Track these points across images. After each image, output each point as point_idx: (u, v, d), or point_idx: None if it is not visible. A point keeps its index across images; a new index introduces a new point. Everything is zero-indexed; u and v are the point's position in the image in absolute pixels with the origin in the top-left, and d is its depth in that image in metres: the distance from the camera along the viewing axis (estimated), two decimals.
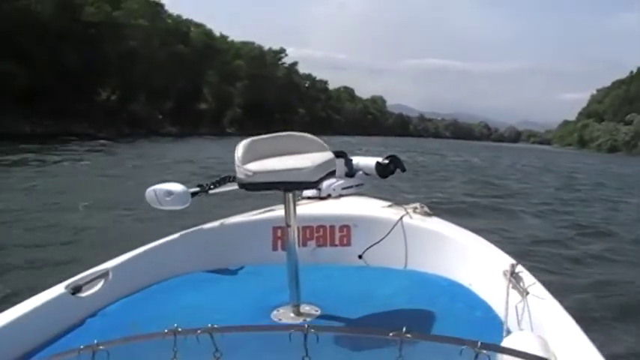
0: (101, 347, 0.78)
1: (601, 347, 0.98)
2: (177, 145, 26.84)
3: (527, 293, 1.27)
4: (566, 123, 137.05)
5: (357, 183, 2.39)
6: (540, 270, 4.37)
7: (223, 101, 63.57)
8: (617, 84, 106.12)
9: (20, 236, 5.45)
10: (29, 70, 33.40)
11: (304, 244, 1.93)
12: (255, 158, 1.28)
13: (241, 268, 1.82)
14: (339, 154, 2.17)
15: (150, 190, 1.82)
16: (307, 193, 2.33)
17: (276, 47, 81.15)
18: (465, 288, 1.58)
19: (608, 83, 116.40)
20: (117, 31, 41.98)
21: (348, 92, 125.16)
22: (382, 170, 2.26)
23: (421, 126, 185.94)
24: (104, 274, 1.53)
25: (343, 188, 2.34)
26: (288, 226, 1.36)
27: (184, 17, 61.81)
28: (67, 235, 5.51)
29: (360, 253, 1.94)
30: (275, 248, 1.95)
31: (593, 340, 1.00)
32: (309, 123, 75.26)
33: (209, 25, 66.74)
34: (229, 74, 64.27)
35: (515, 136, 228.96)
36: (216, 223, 1.99)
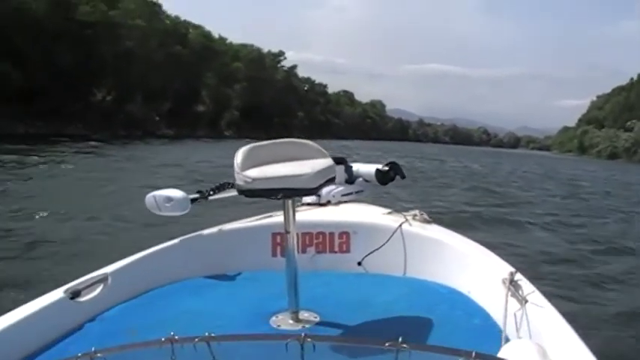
0: (99, 355, 0.78)
1: (599, 355, 0.98)
2: (170, 148, 26.17)
3: (526, 301, 1.26)
4: (565, 129, 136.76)
5: (357, 190, 2.37)
6: (557, 296, 3.77)
7: (221, 104, 63.04)
8: (618, 90, 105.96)
9: None
10: (23, 70, 32.85)
11: (303, 251, 1.93)
12: (254, 165, 1.28)
13: (240, 274, 1.82)
14: (338, 161, 2.14)
15: (150, 196, 1.82)
16: (307, 199, 2.31)
17: (275, 50, 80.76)
18: (464, 295, 1.58)
19: (607, 90, 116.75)
20: (113, 31, 41.44)
21: (347, 96, 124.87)
22: (382, 177, 2.25)
23: (420, 131, 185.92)
24: (103, 279, 1.52)
25: (343, 195, 2.33)
26: (288, 232, 1.36)
27: (183, 18, 61.31)
28: (12, 247, 4.91)
29: (359, 260, 1.93)
30: (274, 254, 1.95)
31: (592, 348, 1.00)
32: (308, 126, 74.84)
33: (208, 28, 66.38)
34: (227, 76, 63.76)
35: (515, 142, 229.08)
36: (215, 229, 1.98)
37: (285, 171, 1.26)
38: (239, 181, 1.27)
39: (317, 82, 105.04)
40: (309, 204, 2.33)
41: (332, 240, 2.00)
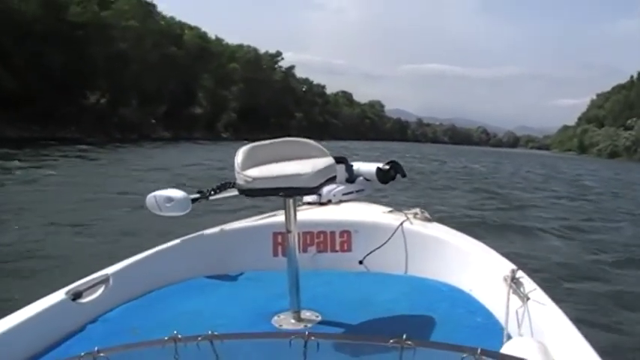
0: (101, 354, 0.77)
1: (601, 352, 0.97)
2: (162, 151, 25.50)
3: (528, 299, 1.26)
4: (565, 128, 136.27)
5: (358, 189, 2.34)
6: (584, 322, 3.10)
7: (218, 105, 62.41)
8: (618, 89, 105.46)
9: None
10: (12, 72, 32.18)
11: (305, 250, 1.93)
12: (255, 164, 1.29)
13: (242, 274, 1.82)
14: (339, 160, 2.07)
15: (150, 197, 1.81)
16: (307, 198, 2.30)
17: (272, 51, 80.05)
18: (466, 293, 1.58)
19: (605, 89, 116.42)
20: (106, 32, 40.71)
21: (345, 97, 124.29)
22: (383, 176, 2.23)
23: (419, 131, 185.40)
24: (104, 280, 1.52)
25: (344, 194, 2.32)
26: (289, 231, 1.36)
27: (178, 19, 60.70)
28: None
29: (360, 259, 1.93)
30: (275, 254, 1.94)
31: (594, 345, 1.00)
32: (306, 127, 74.16)
33: (207, 30, 65.83)
34: (224, 78, 63.08)
35: (514, 142, 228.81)
36: (216, 229, 1.98)
37: (286, 170, 1.26)
38: (240, 181, 1.27)
39: (315, 82, 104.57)
40: (309, 203, 2.31)
41: (333, 239, 1.99)
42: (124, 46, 44.43)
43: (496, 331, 1.23)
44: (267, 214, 2.13)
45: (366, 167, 2.30)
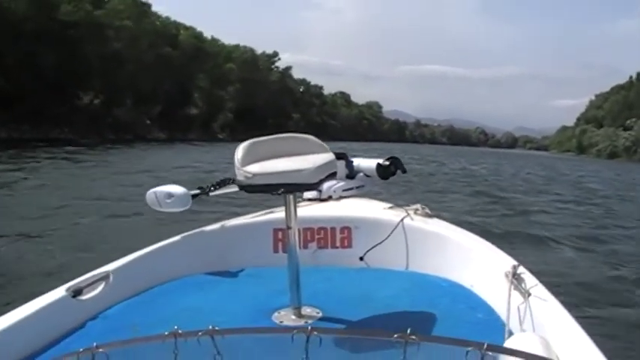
0: (100, 350, 0.77)
1: (603, 347, 0.97)
2: (153, 153, 24.84)
3: (529, 294, 1.27)
4: (564, 129, 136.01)
5: (358, 185, 2.34)
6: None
7: (214, 106, 61.85)
8: (617, 89, 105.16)
9: None
10: (3, 72, 31.53)
11: (305, 246, 1.92)
12: (255, 160, 1.28)
13: (242, 270, 1.81)
14: (339, 156, 2.09)
15: (150, 192, 1.81)
16: (308, 194, 2.29)
17: (269, 51, 79.42)
18: (467, 289, 1.58)
19: (603, 89, 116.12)
20: (99, 32, 40.07)
21: (344, 97, 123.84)
22: (383, 172, 2.23)
23: (417, 132, 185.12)
24: (105, 277, 1.52)
25: (344, 190, 2.31)
26: (289, 228, 1.36)
27: (174, 19, 60.05)
28: None
29: (361, 255, 1.92)
30: (276, 250, 1.94)
31: (596, 340, 1.00)
32: (304, 128, 73.48)
33: (205, 31, 65.19)
34: (220, 78, 62.48)
35: (512, 142, 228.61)
36: (216, 225, 1.98)
37: (286, 166, 1.26)
38: (240, 177, 1.27)
39: (313, 83, 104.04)
40: (310, 199, 2.29)
41: (333, 235, 1.98)
42: (119, 45, 43.91)
43: (497, 327, 1.22)
44: (268, 211, 2.10)
45: (366, 163, 2.30)
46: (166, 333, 0.76)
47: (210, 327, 0.75)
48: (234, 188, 1.76)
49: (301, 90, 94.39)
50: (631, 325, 3.76)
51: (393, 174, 2.28)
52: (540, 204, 11.44)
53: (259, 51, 76.04)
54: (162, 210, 1.81)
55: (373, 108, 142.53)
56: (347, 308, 1.42)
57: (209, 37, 66.00)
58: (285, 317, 1.37)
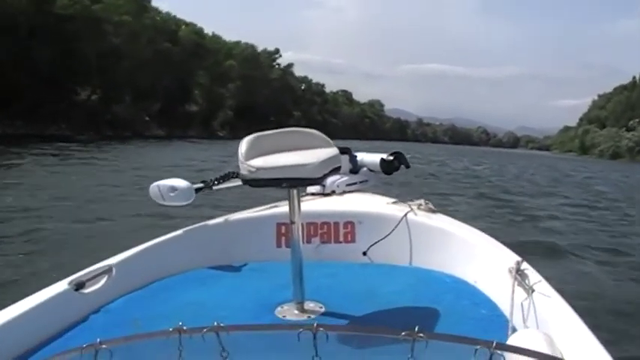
0: (104, 346, 0.76)
1: (607, 344, 0.97)
2: (148, 150, 24.22)
3: (533, 290, 1.26)
4: (566, 129, 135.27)
5: (362, 179, 2.33)
6: None
7: (214, 103, 61.27)
8: (619, 90, 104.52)
9: None
10: None
11: (308, 241, 1.92)
12: (259, 154, 1.28)
13: (245, 264, 1.82)
14: (343, 151, 2.08)
15: (154, 186, 1.80)
16: (311, 189, 2.28)
17: (270, 48, 78.70)
18: (470, 285, 1.57)
19: (606, 89, 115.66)
20: (97, 27, 39.46)
21: (345, 96, 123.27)
22: (387, 167, 2.23)
23: (419, 131, 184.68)
24: (107, 271, 1.52)
25: (347, 185, 2.30)
26: (292, 222, 1.36)
27: (173, 15, 59.42)
28: None
29: (364, 250, 1.92)
30: (279, 245, 1.94)
31: (600, 337, 0.99)
32: (305, 126, 72.21)
33: (206, 29, 64.56)
34: (221, 75, 61.87)
35: (514, 142, 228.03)
36: (219, 220, 1.98)
37: (290, 160, 1.25)
38: (243, 171, 1.26)
39: (314, 81, 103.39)
40: (313, 194, 2.28)
41: (337, 230, 1.97)
42: (117, 41, 43.32)
43: (501, 323, 1.22)
44: (271, 205, 2.09)
45: (369, 158, 2.28)
46: (170, 329, 0.75)
47: (216, 323, 0.75)
48: (238, 182, 1.73)
49: (302, 88, 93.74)
50: None
51: (397, 169, 2.25)
52: (549, 208, 10.83)
53: (260, 48, 75.41)
54: (165, 204, 1.80)
55: (375, 106, 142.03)
56: (350, 303, 1.42)
57: (210, 34, 65.39)
58: (288, 312, 1.36)
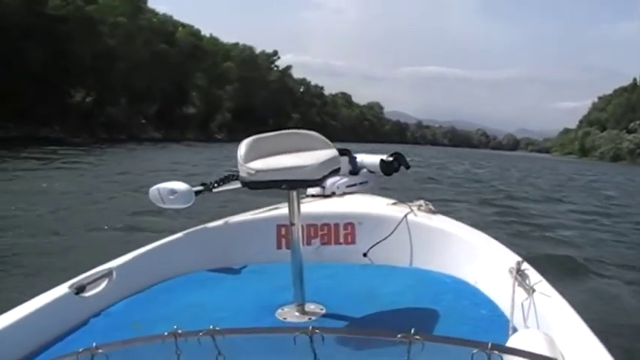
0: (100, 350, 0.76)
1: (608, 344, 0.96)
2: (138, 154, 23.52)
3: (534, 291, 1.26)
4: (566, 131, 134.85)
5: (361, 181, 2.28)
6: None
7: (212, 105, 60.78)
8: (620, 92, 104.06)
9: None
10: None
11: (308, 243, 1.93)
12: (258, 156, 1.28)
13: (245, 266, 1.82)
14: (342, 152, 2.07)
15: (154, 189, 1.81)
16: (311, 191, 2.28)
17: (268, 50, 78.16)
18: (471, 286, 1.58)
19: (605, 92, 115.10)
20: (91, 28, 38.86)
21: (344, 98, 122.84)
22: (386, 168, 2.22)
23: (418, 133, 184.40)
24: (108, 274, 1.52)
25: (347, 186, 2.25)
26: (293, 224, 1.36)
27: (170, 16, 58.87)
28: None
29: (364, 251, 1.92)
30: (279, 247, 1.94)
31: (600, 337, 0.99)
32: (304, 129, 71.98)
33: (206, 32, 64.05)
34: (219, 77, 61.34)
35: (514, 144, 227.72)
36: (220, 222, 1.98)
37: (290, 162, 1.25)
38: (243, 173, 1.26)
39: (313, 84, 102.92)
40: (313, 195, 2.29)
41: (337, 231, 1.97)
42: (113, 42, 42.76)
43: (502, 324, 1.22)
44: (271, 207, 2.10)
45: (369, 159, 2.28)
46: (166, 333, 0.75)
47: (212, 327, 0.74)
48: (238, 185, 1.67)
49: (301, 90, 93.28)
50: None
51: (397, 170, 2.23)
52: (558, 216, 10.15)
53: (258, 50, 74.89)
54: (165, 207, 1.80)
55: (374, 109, 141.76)
56: (351, 305, 1.41)
57: (207, 35, 64.84)
58: (289, 314, 1.36)
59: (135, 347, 0.81)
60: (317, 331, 0.72)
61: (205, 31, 65.39)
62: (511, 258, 1.50)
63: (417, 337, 0.70)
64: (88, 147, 24.25)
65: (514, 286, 1.28)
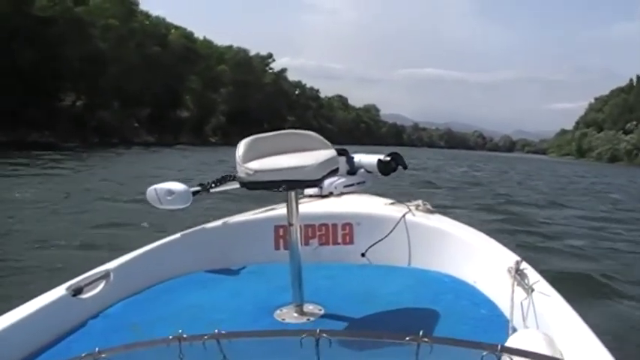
0: (103, 355, 0.76)
1: (608, 344, 0.96)
2: (127, 158, 22.85)
3: (533, 290, 1.26)
4: (563, 132, 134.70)
5: (359, 181, 2.34)
6: None
7: (206, 108, 60.06)
8: (617, 92, 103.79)
9: None
10: None
11: (307, 243, 1.92)
12: (256, 156, 1.28)
13: (243, 267, 1.81)
14: (340, 152, 2.07)
15: (151, 189, 1.79)
16: (309, 191, 2.29)
17: (263, 53, 77.42)
18: (470, 285, 1.57)
19: (601, 93, 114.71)
20: (81, 30, 38.10)
21: (341, 101, 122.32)
22: (384, 168, 2.24)
23: (415, 135, 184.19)
24: (105, 275, 1.51)
25: (345, 186, 2.30)
26: (291, 224, 1.36)
27: (163, 18, 58.15)
28: None
29: (363, 252, 1.91)
30: (277, 247, 1.94)
31: (600, 336, 0.99)
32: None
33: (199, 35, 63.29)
34: (212, 80, 60.62)
35: (510, 146, 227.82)
36: (218, 223, 1.98)
37: (288, 162, 1.25)
38: (241, 173, 1.26)
39: (309, 86, 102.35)
40: (310, 196, 2.29)
41: (335, 231, 1.97)
42: (104, 45, 42.02)
43: (501, 323, 1.22)
44: (269, 207, 2.08)
45: (367, 159, 2.27)
46: (171, 337, 0.74)
47: (217, 330, 0.74)
48: (236, 185, 1.70)
49: (297, 92, 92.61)
50: None
51: (394, 170, 2.24)
52: (565, 223, 9.47)
53: (252, 52, 74.20)
54: (162, 207, 1.78)
55: (371, 111, 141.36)
56: (349, 305, 1.40)
57: (200, 38, 64.17)
58: (288, 315, 1.36)
59: (137, 352, 0.78)
60: (324, 334, 0.71)
61: (201, 35, 64.79)
62: (510, 257, 1.49)
63: (426, 339, 0.70)
64: (73, 152, 23.47)
65: (513, 285, 1.27)
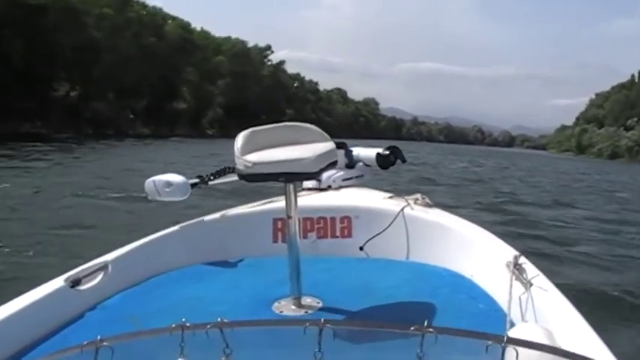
0: (105, 343, 0.75)
1: (605, 337, 0.97)
2: (119, 150, 22.26)
3: (531, 284, 1.26)
4: (563, 128, 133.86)
5: (358, 174, 2.34)
6: None
7: (203, 100, 59.34)
8: (617, 88, 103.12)
9: None
10: None
11: (305, 236, 1.91)
12: (255, 149, 1.28)
13: (242, 260, 1.81)
14: (339, 145, 2.02)
15: (149, 181, 1.79)
16: (307, 184, 2.30)
17: (261, 44, 76.57)
18: (467, 279, 1.58)
19: (602, 89, 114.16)
20: (74, 19, 37.34)
21: (340, 94, 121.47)
22: (383, 161, 2.24)
23: (414, 129, 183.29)
24: (103, 267, 1.52)
25: (343, 179, 2.31)
26: (289, 217, 1.36)
27: (161, 8, 57.31)
28: None
29: (361, 245, 1.92)
30: (275, 240, 1.94)
31: (598, 330, 1.00)
32: None
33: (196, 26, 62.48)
34: (210, 71, 59.85)
35: (510, 141, 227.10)
36: (216, 215, 1.98)
37: (287, 155, 1.25)
38: (239, 166, 1.27)
39: (308, 79, 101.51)
40: (309, 189, 2.29)
41: (333, 225, 1.97)
42: (99, 35, 41.31)
43: (499, 317, 1.22)
44: (267, 200, 2.08)
45: (365, 153, 2.27)
46: (173, 325, 0.74)
47: (219, 319, 0.74)
48: (234, 177, 1.70)
49: (295, 85, 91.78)
50: None
51: (393, 163, 2.22)
52: (574, 225, 8.88)
53: (251, 44, 73.36)
54: (161, 199, 1.78)
55: (370, 105, 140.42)
56: (347, 298, 1.41)
57: (197, 29, 63.33)
58: (285, 307, 1.36)
59: (138, 339, 0.79)
60: (328, 325, 0.71)
61: (197, 25, 63.97)
62: (508, 252, 1.50)
63: (431, 329, 0.69)
64: (63, 143, 22.84)
65: (511, 279, 1.27)
